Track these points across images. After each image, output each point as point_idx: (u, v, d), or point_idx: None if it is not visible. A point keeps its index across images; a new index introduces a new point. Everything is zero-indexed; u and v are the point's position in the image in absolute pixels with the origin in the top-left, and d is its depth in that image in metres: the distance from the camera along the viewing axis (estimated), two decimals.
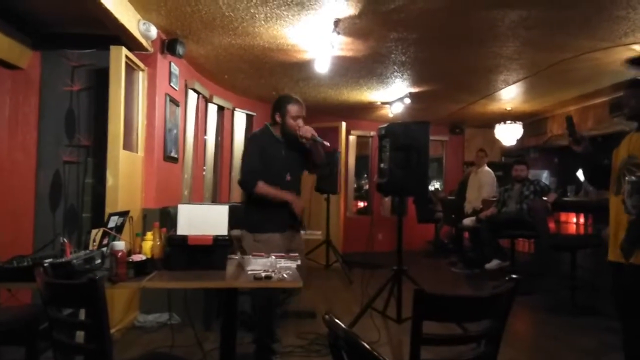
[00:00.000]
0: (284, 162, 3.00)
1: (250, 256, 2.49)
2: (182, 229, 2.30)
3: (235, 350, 2.50)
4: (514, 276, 1.52)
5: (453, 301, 1.52)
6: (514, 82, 5.78)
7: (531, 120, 8.07)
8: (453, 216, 7.49)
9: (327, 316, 1.02)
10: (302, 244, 3.20)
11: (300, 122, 2.96)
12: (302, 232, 4.04)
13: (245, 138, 6.54)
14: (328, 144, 3.02)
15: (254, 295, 3.11)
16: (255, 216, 2.97)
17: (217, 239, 2.26)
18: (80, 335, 2.23)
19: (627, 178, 2.12)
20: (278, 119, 2.97)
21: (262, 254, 2.51)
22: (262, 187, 2.89)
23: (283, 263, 2.38)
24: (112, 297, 3.48)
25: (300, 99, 3.05)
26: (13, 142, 3.93)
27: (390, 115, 7.20)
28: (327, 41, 4.10)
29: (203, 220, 2.34)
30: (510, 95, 6.50)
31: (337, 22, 3.88)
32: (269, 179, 2.92)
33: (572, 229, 5.58)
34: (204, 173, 5.97)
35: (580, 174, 6.65)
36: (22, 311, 2.48)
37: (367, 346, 0.89)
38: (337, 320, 1.00)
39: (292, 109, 2.94)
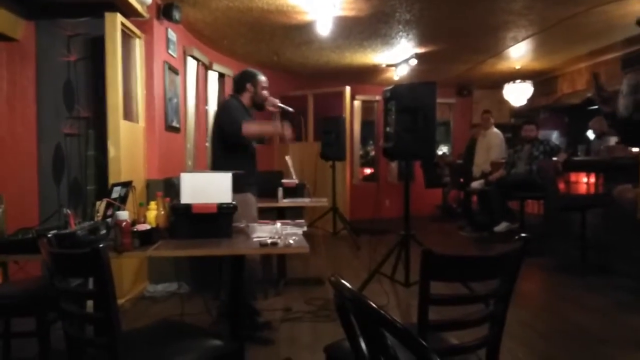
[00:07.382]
0: None
1: (256, 224, 2.47)
2: (185, 198, 2.26)
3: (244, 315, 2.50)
4: (523, 235, 1.48)
5: (460, 261, 1.49)
6: (523, 39, 5.60)
7: (541, 79, 7.87)
8: (461, 180, 7.42)
9: (333, 278, 0.98)
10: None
11: (266, 92, 3.18)
12: (306, 199, 4.02)
13: None
14: (292, 110, 3.24)
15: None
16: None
17: (221, 206, 2.24)
18: (90, 305, 2.23)
19: (625, 80, 2.00)
20: (250, 88, 3.13)
21: (268, 221, 2.50)
22: (247, 127, 2.93)
23: (289, 229, 2.36)
24: (121, 268, 3.50)
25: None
26: (12, 116, 3.87)
27: (396, 78, 7.05)
28: (329, 0, 3.96)
29: (206, 188, 2.31)
30: (519, 53, 6.32)
31: None
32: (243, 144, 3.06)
33: (583, 188, 5.49)
34: (207, 144, 5.91)
35: (590, 133, 6.52)
36: (31, 283, 2.49)
37: (374, 305, 0.85)
38: (343, 281, 0.96)
39: (262, 80, 3.16)
